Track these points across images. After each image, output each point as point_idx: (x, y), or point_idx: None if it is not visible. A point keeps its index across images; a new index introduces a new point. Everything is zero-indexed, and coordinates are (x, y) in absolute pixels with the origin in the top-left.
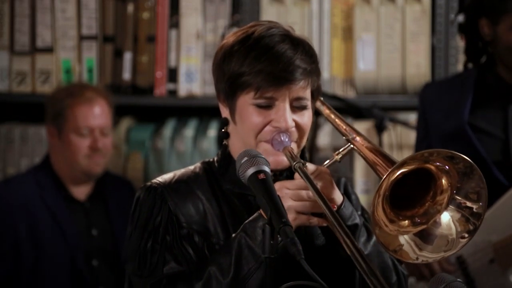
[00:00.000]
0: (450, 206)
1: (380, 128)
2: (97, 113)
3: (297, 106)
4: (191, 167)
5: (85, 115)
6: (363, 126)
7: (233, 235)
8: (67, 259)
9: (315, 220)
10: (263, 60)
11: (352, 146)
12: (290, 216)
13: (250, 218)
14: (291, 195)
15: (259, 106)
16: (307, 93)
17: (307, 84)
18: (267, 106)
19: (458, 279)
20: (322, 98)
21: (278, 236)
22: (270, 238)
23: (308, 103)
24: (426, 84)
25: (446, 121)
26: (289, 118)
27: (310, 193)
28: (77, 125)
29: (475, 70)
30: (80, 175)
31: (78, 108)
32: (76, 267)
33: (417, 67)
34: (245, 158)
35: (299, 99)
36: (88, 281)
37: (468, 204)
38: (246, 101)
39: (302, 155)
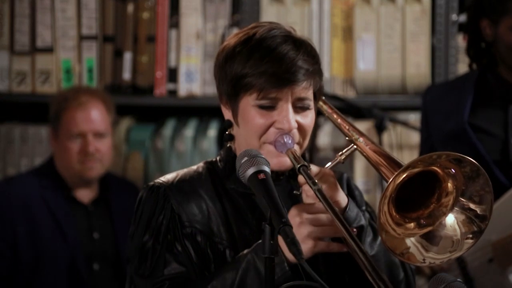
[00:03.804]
0: (455, 208)
1: (380, 128)
2: (89, 117)
3: (299, 107)
4: (194, 167)
5: (75, 120)
6: (363, 126)
7: (245, 251)
8: (67, 260)
9: (335, 246)
10: (266, 61)
11: (355, 147)
12: (309, 243)
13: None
14: (311, 221)
15: (262, 107)
16: (310, 94)
17: (310, 85)
18: (270, 107)
19: (458, 279)
20: (324, 98)
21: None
22: (270, 238)
23: (311, 103)
24: (429, 87)
25: (447, 121)
26: (292, 119)
27: (330, 217)
28: (68, 130)
29: (477, 70)
30: (77, 179)
31: (70, 112)
32: (75, 269)
33: (417, 67)
34: (245, 158)
35: (301, 99)
36: (88, 283)
37: (473, 206)
38: (249, 102)
39: (303, 156)
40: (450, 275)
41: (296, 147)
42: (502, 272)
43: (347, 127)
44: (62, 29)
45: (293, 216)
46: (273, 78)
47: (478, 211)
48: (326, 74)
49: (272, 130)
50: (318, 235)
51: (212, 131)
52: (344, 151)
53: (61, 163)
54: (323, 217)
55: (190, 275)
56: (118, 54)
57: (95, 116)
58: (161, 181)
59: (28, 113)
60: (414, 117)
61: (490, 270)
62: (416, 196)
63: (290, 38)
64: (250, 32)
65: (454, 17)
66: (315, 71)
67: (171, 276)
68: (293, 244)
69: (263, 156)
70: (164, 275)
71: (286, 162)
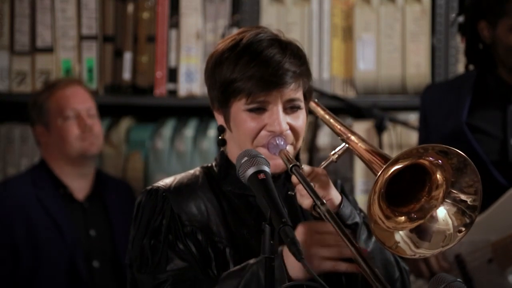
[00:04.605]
0: (446, 201)
1: (380, 128)
2: (76, 96)
3: (290, 107)
4: (191, 171)
5: (65, 99)
6: (363, 126)
7: (251, 261)
8: (66, 259)
9: (342, 266)
10: (252, 65)
11: (347, 145)
12: (314, 263)
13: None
14: (317, 240)
15: (252, 111)
16: (299, 95)
17: (298, 86)
18: (260, 110)
19: (458, 279)
20: (316, 100)
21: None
22: (270, 238)
23: (301, 103)
24: (427, 87)
25: (446, 122)
26: (283, 121)
27: (337, 238)
28: (61, 109)
29: (475, 71)
30: (77, 162)
31: (57, 94)
32: (75, 267)
33: (417, 67)
34: (245, 158)
35: (291, 100)
36: (89, 281)
37: (464, 197)
38: (239, 107)
39: (297, 157)
40: (450, 275)
41: (289, 148)
42: (501, 273)
43: (339, 126)
44: (62, 29)
45: (300, 235)
46: (260, 82)
47: (469, 202)
48: (326, 74)
49: (263, 133)
50: (324, 256)
51: (212, 131)
52: (336, 150)
53: (58, 153)
54: (331, 238)
55: (194, 270)
56: (118, 54)
57: (80, 94)
58: (159, 185)
59: (28, 113)
60: (414, 117)
61: (490, 271)
62: (407, 190)
63: (277, 41)
64: (237, 38)
65: (454, 17)
66: (303, 72)
67: (174, 272)
68: (293, 244)
69: (263, 156)
70: (167, 271)
71: (280, 164)
